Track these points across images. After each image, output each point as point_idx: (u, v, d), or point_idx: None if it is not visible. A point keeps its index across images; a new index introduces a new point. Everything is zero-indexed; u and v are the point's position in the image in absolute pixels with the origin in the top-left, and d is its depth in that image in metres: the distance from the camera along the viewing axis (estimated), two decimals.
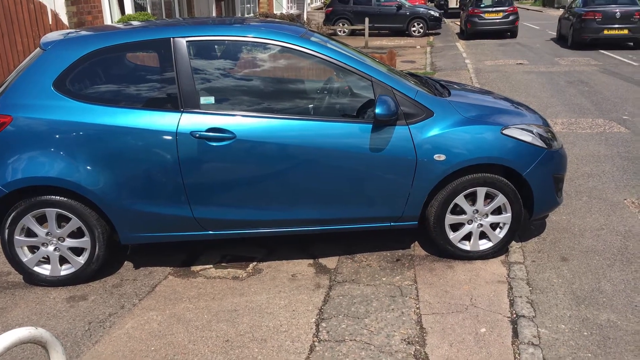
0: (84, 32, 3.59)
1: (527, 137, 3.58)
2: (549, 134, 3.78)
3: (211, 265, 3.78)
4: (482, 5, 19.10)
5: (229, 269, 3.72)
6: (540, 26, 23.76)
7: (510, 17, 18.78)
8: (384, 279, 3.56)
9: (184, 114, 3.30)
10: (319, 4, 29.29)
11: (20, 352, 2.86)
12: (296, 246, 4.02)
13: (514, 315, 3.11)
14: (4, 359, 2.79)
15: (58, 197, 3.31)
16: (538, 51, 15.26)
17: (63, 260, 3.49)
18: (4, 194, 3.26)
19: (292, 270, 3.68)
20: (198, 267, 3.76)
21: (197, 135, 3.27)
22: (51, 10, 7.74)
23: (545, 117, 6.06)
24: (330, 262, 3.80)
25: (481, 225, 3.67)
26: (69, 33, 3.64)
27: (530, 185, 3.60)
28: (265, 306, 3.25)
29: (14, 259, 3.43)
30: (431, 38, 19.60)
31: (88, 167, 3.26)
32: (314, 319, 3.12)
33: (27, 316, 3.21)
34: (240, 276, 3.63)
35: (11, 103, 3.30)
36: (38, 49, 3.51)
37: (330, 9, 20.99)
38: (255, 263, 3.81)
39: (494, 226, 3.71)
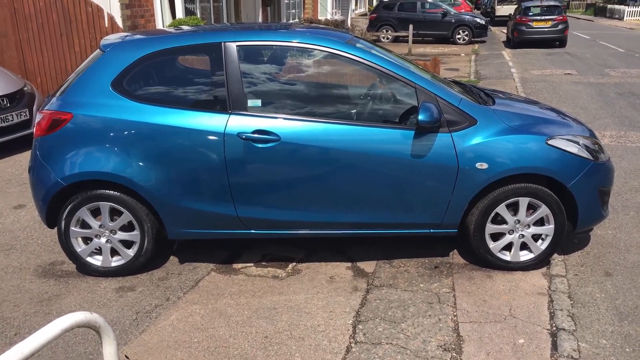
0: (140, 36, 3.77)
1: (572, 148, 3.53)
2: (596, 145, 3.71)
3: (252, 264, 3.89)
4: (530, 14, 18.73)
5: (269, 268, 3.82)
6: (590, 36, 23.10)
7: (560, 26, 18.34)
8: (421, 285, 3.57)
9: (232, 116, 3.41)
10: (363, 10, 29.37)
11: (72, 337, 3.03)
12: (335, 249, 4.08)
13: (554, 328, 3.07)
14: (57, 342, 2.96)
15: (111, 192, 3.48)
16: (587, 61, 14.85)
17: (114, 252, 3.66)
18: (62, 187, 3.46)
19: (331, 272, 3.75)
20: (239, 265, 3.87)
21: (244, 136, 3.38)
22: (107, 13, 8.10)
23: (593, 129, 5.92)
24: (368, 266, 3.84)
25: (522, 235, 3.64)
26: (126, 36, 3.82)
27: (574, 198, 3.55)
28: (303, 306, 3.33)
29: (69, 249, 3.62)
30: (476, 46, 19.36)
31: (140, 164, 3.41)
32: (351, 321, 3.17)
33: (79, 304, 3.39)
34: (280, 275, 3.72)
35: (71, 101, 3.49)
36: (98, 50, 3.71)
37: (375, 15, 21.03)
38: (294, 263, 3.89)
39: (535, 237, 3.67)
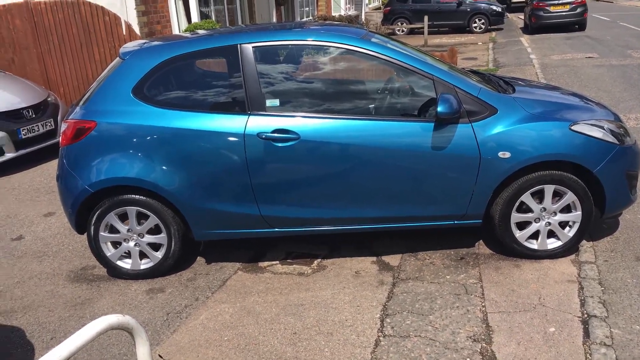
0: (158, 42, 3.82)
1: (597, 133, 3.47)
2: (621, 129, 3.64)
3: (277, 262, 3.92)
4: None
5: (294, 265, 3.85)
6: (610, 17, 22.58)
7: (578, 9, 17.95)
8: (448, 277, 3.56)
9: (251, 117, 3.44)
10: (377, 4, 29.22)
11: (106, 339, 3.10)
12: (359, 244, 4.09)
13: (585, 315, 3.04)
14: (92, 344, 3.04)
15: (138, 196, 3.55)
16: (608, 44, 14.53)
17: (142, 255, 3.74)
18: (90, 194, 3.54)
19: (356, 267, 3.76)
20: (265, 263, 3.91)
21: (264, 136, 3.41)
22: (124, 21, 8.23)
23: (618, 113, 5.80)
24: (393, 259, 3.84)
25: (549, 223, 3.59)
26: (144, 43, 3.88)
27: (601, 183, 3.49)
28: (330, 301, 3.35)
29: (99, 254, 3.71)
30: (493, 34, 19.10)
31: (164, 168, 3.47)
32: (378, 315, 3.17)
33: (111, 306, 3.47)
34: (306, 272, 3.74)
35: (94, 109, 3.57)
36: (117, 58, 3.78)
37: (389, 8, 20.89)
38: (319, 260, 3.91)
39: (563, 225, 3.62)
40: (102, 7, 8.16)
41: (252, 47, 3.52)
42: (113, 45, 8.20)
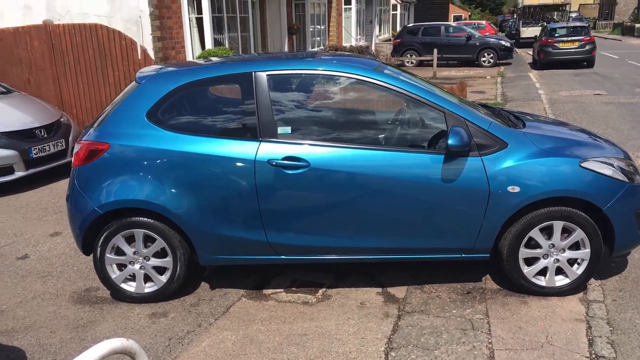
0: (174, 68, 3.89)
1: (607, 171, 3.47)
2: (631, 167, 3.64)
3: (282, 290, 3.89)
4: (556, 35, 18.62)
5: (299, 294, 3.82)
6: (619, 55, 22.77)
7: (587, 47, 18.16)
8: (454, 311, 3.52)
9: (262, 143, 3.47)
10: (387, 35, 29.64)
11: None
12: (365, 274, 4.06)
13: (593, 356, 2.98)
14: None
15: (146, 219, 3.55)
16: (617, 81, 14.62)
17: (147, 279, 3.72)
18: (99, 215, 3.55)
19: (361, 298, 3.72)
20: (269, 291, 3.88)
21: (274, 163, 3.43)
22: (140, 46, 8.37)
23: (627, 150, 5.80)
24: (398, 291, 3.80)
25: (557, 260, 3.56)
26: (160, 68, 3.95)
27: (611, 221, 3.47)
28: (334, 332, 3.31)
29: (104, 276, 3.70)
30: (502, 68, 19.28)
31: (173, 191, 3.48)
32: (383, 348, 3.13)
33: (114, 330, 3.44)
34: (310, 301, 3.71)
35: (108, 132, 3.61)
36: (134, 82, 3.84)
37: (399, 40, 21.21)
38: (324, 289, 3.88)
39: (571, 262, 3.59)
40: (119, 32, 8.33)
41: (267, 75, 3.57)
42: (128, 69, 8.34)
